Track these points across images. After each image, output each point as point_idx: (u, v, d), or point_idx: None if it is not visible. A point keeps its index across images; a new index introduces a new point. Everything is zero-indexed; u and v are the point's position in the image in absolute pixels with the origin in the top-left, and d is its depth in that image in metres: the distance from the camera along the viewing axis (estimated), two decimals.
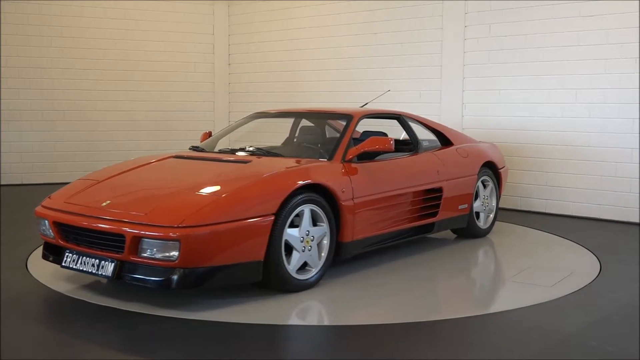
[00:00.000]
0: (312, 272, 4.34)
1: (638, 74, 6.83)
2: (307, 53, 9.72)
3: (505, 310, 4.08)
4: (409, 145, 5.74)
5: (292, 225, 4.20)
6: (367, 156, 5.02)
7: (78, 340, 3.50)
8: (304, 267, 4.31)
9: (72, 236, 4.13)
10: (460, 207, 5.70)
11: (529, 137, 7.56)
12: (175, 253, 3.70)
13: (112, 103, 10.05)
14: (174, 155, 5.17)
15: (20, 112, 9.55)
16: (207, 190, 4.07)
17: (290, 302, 4.12)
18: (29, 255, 5.09)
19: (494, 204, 6.23)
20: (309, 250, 4.28)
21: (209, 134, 5.89)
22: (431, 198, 5.42)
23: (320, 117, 5.91)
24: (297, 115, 6.01)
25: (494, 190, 6.21)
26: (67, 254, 4.12)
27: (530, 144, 7.59)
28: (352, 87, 9.12)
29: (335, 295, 4.32)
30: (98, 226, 3.94)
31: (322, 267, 4.41)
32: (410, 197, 5.21)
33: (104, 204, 4.11)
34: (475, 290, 4.74)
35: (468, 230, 5.94)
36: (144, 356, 3.31)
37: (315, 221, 4.36)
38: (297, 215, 4.22)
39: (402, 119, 5.71)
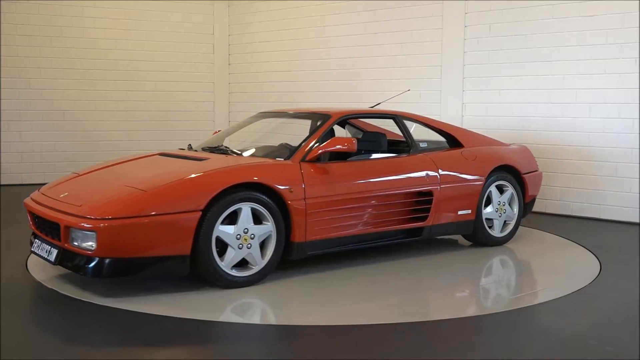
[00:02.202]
0: (253, 270, 4.38)
1: (638, 74, 6.83)
2: (307, 53, 9.72)
3: (504, 310, 4.08)
4: (405, 147, 5.59)
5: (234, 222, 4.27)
6: (340, 156, 5.03)
7: (77, 340, 3.50)
8: (245, 264, 4.37)
9: (39, 224, 4.49)
10: (460, 212, 5.44)
11: (529, 137, 7.56)
12: (93, 243, 3.96)
13: (113, 103, 10.05)
14: (159, 153, 5.34)
15: (20, 112, 9.54)
16: (143, 185, 4.23)
17: (231, 298, 4.18)
18: (29, 255, 5.09)
19: (515, 211, 5.81)
20: (248, 248, 4.31)
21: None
22: (419, 201, 5.25)
23: (299, 116, 5.72)
24: (278, 115, 5.95)
25: (514, 196, 5.80)
26: (35, 240, 4.54)
27: (530, 144, 7.56)
28: (352, 87, 9.12)
29: (288, 294, 4.33)
30: (47, 215, 4.30)
31: (265, 266, 4.42)
32: (389, 199, 5.06)
33: (62, 195, 4.46)
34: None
35: (476, 237, 5.66)
36: (143, 355, 3.31)
37: (261, 220, 4.40)
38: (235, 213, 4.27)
39: (397, 119, 5.57)
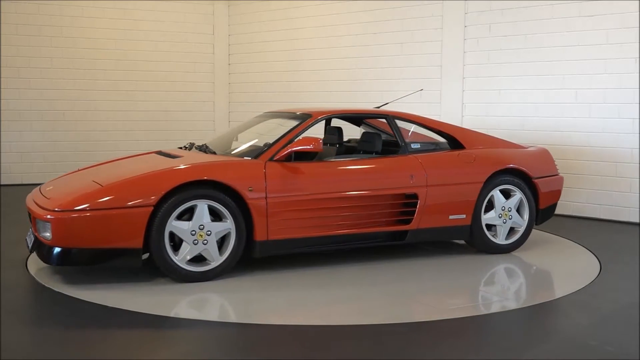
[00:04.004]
0: (209, 266, 4.48)
1: (638, 74, 6.83)
2: (307, 53, 9.72)
3: (504, 310, 4.08)
4: (397, 147, 5.40)
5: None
6: (314, 156, 5.05)
7: (77, 340, 3.50)
8: (204, 259, 4.49)
9: (30, 216, 4.74)
10: (452, 216, 5.24)
11: (529, 137, 7.56)
12: (49, 233, 4.25)
13: (112, 103, 10.05)
14: (156, 151, 5.52)
15: (20, 112, 9.54)
16: (106, 180, 4.49)
17: (191, 292, 4.30)
18: (29, 255, 5.09)
19: (525, 218, 5.51)
20: (204, 244, 4.41)
21: None
22: (403, 204, 5.10)
23: (280, 116, 5.65)
24: (276, 115, 5.88)
25: (524, 202, 5.49)
26: (29, 230, 4.79)
27: (529, 144, 7.58)
28: (352, 87, 9.12)
29: (253, 292, 4.38)
30: (28, 207, 4.63)
31: (223, 262, 4.52)
32: (366, 200, 4.97)
33: (48, 189, 4.79)
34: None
35: (476, 244, 5.43)
36: (141, 355, 3.31)
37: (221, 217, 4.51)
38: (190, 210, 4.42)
39: (389, 119, 5.43)
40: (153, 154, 5.42)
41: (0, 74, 9.37)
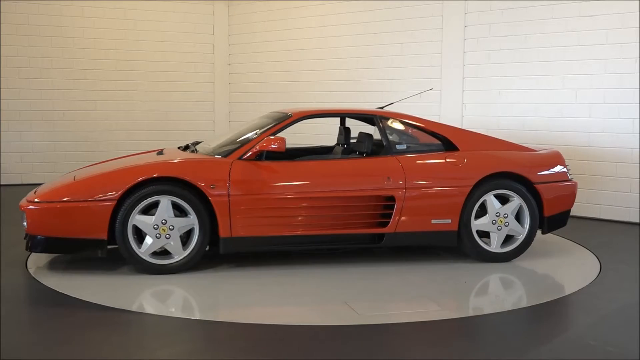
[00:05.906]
0: (173, 259, 4.69)
1: (638, 74, 6.83)
2: (307, 53, 9.72)
3: (504, 310, 4.08)
4: (382, 148, 5.27)
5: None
6: (286, 155, 5.10)
7: (77, 340, 3.51)
8: (169, 253, 4.71)
9: None
10: (435, 221, 5.01)
11: (529, 137, 7.56)
12: (25, 222, 4.68)
13: (112, 103, 10.05)
14: (158, 150, 5.71)
15: (20, 112, 9.54)
16: (84, 176, 4.84)
17: (148, 286, 4.47)
18: (29, 255, 5.10)
19: (526, 225, 5.18)
20: (167, 238, 4.63)
21: None
22: (380, 206, 4.99)
23: (269, 117, 5.58)
24: (271, 116, 5.79)
25: (525, 209, 5.17)
26: None
27: (529, 144, 7.57)
28: (352, 87, 9.12)
29: (218, 290, 4.45)
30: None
31: (187, 256, 4.71)
32: (337, 201, 4.90)
33: (44, 185, 5.14)
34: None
35: (465, 251, 5.20)
36: (142, 355, 3.31)
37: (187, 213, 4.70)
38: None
39: (376, 118, 5.30)
40: (153, 153, 5.54)
41: (0, 74, 9.37)
